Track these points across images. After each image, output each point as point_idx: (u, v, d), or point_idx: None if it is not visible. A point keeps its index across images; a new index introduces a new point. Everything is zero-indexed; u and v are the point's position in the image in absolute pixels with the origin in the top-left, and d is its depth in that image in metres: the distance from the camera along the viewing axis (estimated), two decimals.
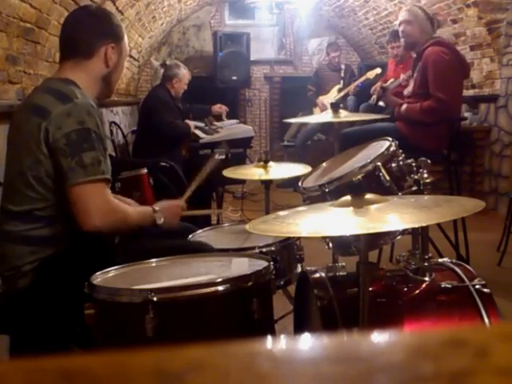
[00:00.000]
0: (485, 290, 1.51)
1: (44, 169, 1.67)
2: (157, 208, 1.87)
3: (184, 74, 4.87)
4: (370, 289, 1.46)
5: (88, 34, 1.83)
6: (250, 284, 1.37)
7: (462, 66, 3.42)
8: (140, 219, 1.82)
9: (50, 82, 1.82)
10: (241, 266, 1.52)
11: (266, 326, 1.47)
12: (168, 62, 7.51)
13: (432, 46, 3.34)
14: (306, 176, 1.96)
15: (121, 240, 1.91)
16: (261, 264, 1.51)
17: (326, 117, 2.29)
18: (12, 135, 1.79)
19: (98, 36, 1.83)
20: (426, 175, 1.59)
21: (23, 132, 1.70)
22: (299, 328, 1.80)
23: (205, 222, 3.70)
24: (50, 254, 1.71)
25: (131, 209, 1.82)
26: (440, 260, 1.72)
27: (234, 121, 5.54)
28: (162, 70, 5.78)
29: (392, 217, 1.20)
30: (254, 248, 1.92)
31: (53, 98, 1.68)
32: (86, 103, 1.69)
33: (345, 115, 2.47)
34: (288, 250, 2.04)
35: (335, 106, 2.44)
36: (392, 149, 1.68)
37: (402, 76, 3.98)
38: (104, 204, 1.66)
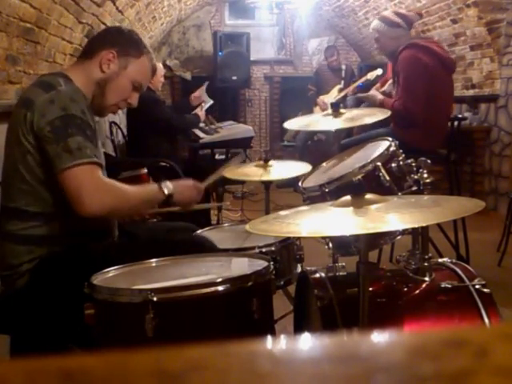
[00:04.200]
0: (485, 290, 1.51)
1: (34, 159, 1.67)
2: (168, 193, 1.77)
3: (158, 68, 4.88)
4: (370, 289, 1.46)
5: (99, 38, 1.88)
6: (250, 284, 1.37)
7: (442, 63, 3.42)
8: (144, 194, 1.77)
9: (43, 76, 1.85)
10: (241, 266, 1.52)
11: (266, 326, 1.47)
12: (168, 63, 7.52)
13: (406, 49, 3.35)
14: (306, 176, 1.96)
15: (120, 237, 1.90)
16: (261, 264, 1.51)
17: (325, 124, 2.29)
18: (7, 131, 1.80)
19: (106, 41, 1.84)
20: (425, 175, 1.59)
21: (13, 125, 1.71)
22: (299, 328, 1.80)
23: (205, 221, 3.71)
24: (48, 253, 1.70)
25: (131, 187, 1.73)
26: (440, 260, 1.72)
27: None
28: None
29: (392, 217, 1.20)
30: (254, 248, 1.92)
31: (37, 89, 1.69)
32: (69, 90, 1.68)
33: (347, 116, 2.46)
34: (288, 250, 2.03)
35: (335, 106, 2.43)
36: (392, 149, 1.68)
37: None
38: (96, 186, 1.61)
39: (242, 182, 5.60)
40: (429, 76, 3.34)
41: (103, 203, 1.61)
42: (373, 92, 3.76)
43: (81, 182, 1.59)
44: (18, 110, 1.70)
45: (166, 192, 1.77)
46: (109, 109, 1.87)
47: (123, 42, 1.84)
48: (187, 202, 1.89)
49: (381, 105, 3.51)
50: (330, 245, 1.68)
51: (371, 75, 5.67)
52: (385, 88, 4.03)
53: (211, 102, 5.12)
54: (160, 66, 4.95)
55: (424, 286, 1.57)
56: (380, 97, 3.58)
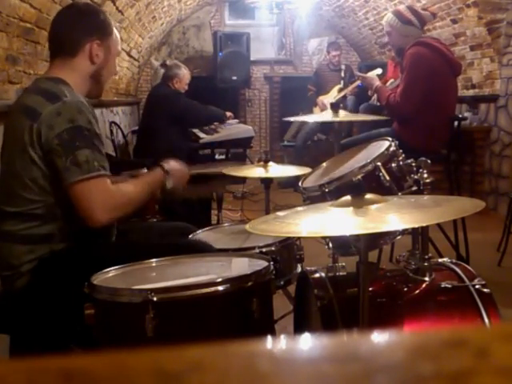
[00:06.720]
0: (485, 289, 1.51)
1: (39, 170, 1.67)
2: (167, 169, 1.91)
3: (184, 74, 4.89)
4: (370, 289, 1.46)
5: (72, 31, 1.81)
6: (249, 284, 1.37)
7: (449, 64, 3.41)
8: (148, 190, 1.84)
9: (40, 81, 1.81)
10: (241, 266, 1.52)
11: (266, 326, 1.47)
12: (168, 62, 7.52)
13: (413, 46, 3.36)
14: (306, 176, 1.96)
15: (118, 238, 1.90)
16: (261, 264, 1.51)
17: (326, 116, 2.29)
18: (5, 137, 1.79)
19: (82, 33, 1.80)
20: (425, 175, 1.59)
21: (15, 133, 1.70)
22: (299, 328, 1.80)
23: (205, 221, 3.70)
24: (48, 252, 1.71)
25: (134, 187, 1.79)
26: (440, 260, 1.72)
27: (234, 121, 5.52)
28: (163, 70, 5.80)
29: (392, 217, 1.20)
30: (254, 248, 1.92)
31: (42, 99, 1.68)
32: (75, 101, 1.69)
33: (344, 115, 2.47)
34: (288, 249, 2.03)
35: (335, 106, 2.43)
36: (392, 149, 1.68)
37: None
38: (105, 199, 1.65)
39: (242, 182, 5.60)
40: (432, 75, 3.34)
41: (112, 214, 1.67)
42: (373, 76, 3.77)
43: (90, 196, 1.63)
44: (21, 119, 1.68)
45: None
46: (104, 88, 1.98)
47: (100, 26, 1.84)
48: (178, 187, 2.00)
49: (376, 90, 3.54)
50: (330, 245, 1.68)
51: (371, 75, 5.66)
52: (387, 84, 4.04)
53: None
54: (187, 71, 4.96)
55: (424, 286, 1.57)
56: (378, 83, 3.59)
